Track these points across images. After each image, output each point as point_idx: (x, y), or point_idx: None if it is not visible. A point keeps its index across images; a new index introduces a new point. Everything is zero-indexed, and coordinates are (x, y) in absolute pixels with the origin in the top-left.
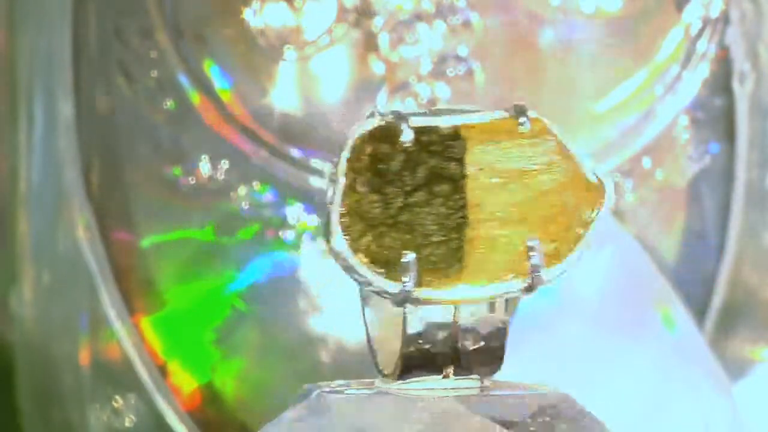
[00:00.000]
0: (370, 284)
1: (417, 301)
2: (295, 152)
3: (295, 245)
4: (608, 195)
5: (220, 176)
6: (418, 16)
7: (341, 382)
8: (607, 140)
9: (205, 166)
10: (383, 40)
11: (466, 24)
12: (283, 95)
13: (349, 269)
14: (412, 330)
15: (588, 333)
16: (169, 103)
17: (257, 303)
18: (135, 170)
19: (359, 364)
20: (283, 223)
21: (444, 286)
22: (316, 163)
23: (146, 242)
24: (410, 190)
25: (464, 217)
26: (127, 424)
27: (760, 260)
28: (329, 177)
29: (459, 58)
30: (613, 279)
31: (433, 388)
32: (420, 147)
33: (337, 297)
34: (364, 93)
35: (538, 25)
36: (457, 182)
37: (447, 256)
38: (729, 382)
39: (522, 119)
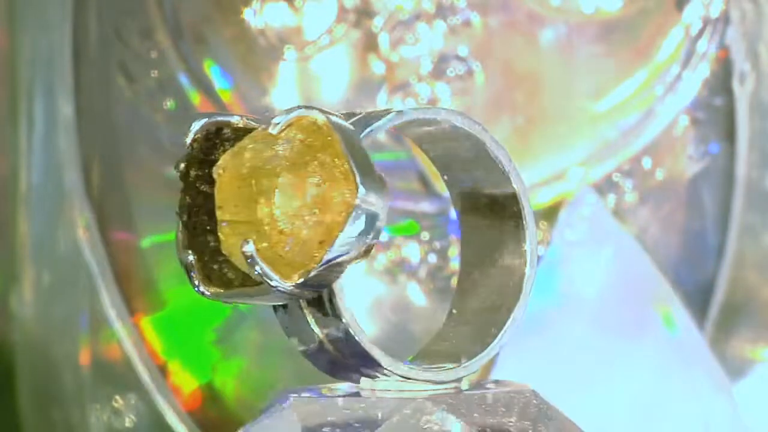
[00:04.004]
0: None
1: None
2: None
3: None
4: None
5: None
6: (418, 16)
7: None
8: (607, 140)
9: None
10: (383, 40)
11: (466, 24)
12: (283, 95)
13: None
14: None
15: (588, 333)
16: (169, 103)
17: None
18: (135, 170)
19: None
20: None
21: (205, 286)
22: None
23: (146, 242)
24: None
25: (203, 220)
26: (127, 424)
27: (760, 260)
28: None
29: (459, 58)
30: (613, 279)
31: (406, 390)
32: (203, 144)
33: None
34: (364, 93)
35: (538, 25)
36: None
37: (209, 258)
38: (729, 382)
39: (275, 119)
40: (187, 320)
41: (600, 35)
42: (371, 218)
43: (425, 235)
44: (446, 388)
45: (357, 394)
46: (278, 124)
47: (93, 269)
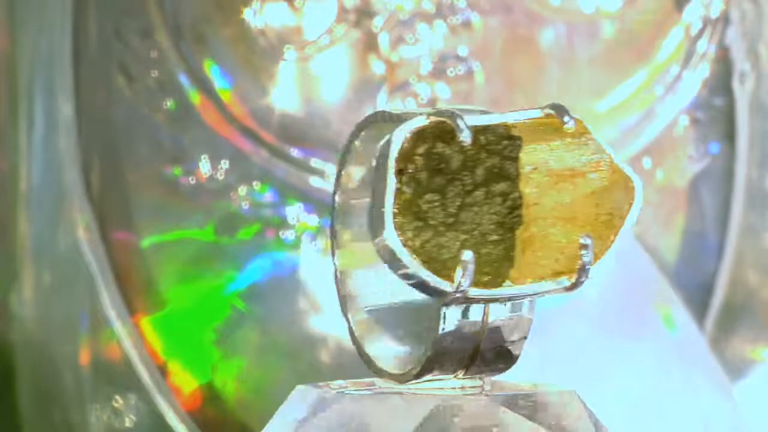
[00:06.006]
0: (420, 283)
1: (466, 300)
2: (295, 152)
3: (295, 245)
4: (639, 193)
5: (220, 176)
6: (418, 16)
7: (340, 382)
8: (607, 140)
9: (205, 166)
10: (383, 40)
11: (466, 24)
12: (283, 95)
13: (399, 267)
14: (445, 329)
15: (588, 333)
16: (169, 103)
17: (257, 303)
18: (135, 170)
19: (359, 364)
20: (283, 223)
21: (493, 285)
22: (316, 163)
23: (146, 242)
24: (470, 189)
25: (520, 215)
26: (127, 424)
27: (760, 260)
28: (376, 175)
29: (459, 58)
30: (613, 279)
31: (434, 388)
32: (478, 146)
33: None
34: (364, 93)
35: (538, 25)
36: (514, 181)
37: (501, 255)
38: (729, 382)
39: (566, 118)
40: (187, 320)
41: (600, 35)
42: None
43: None
44: (474, 386)
45: (388, 393)
46: (570, 124)
47: (93, 269)
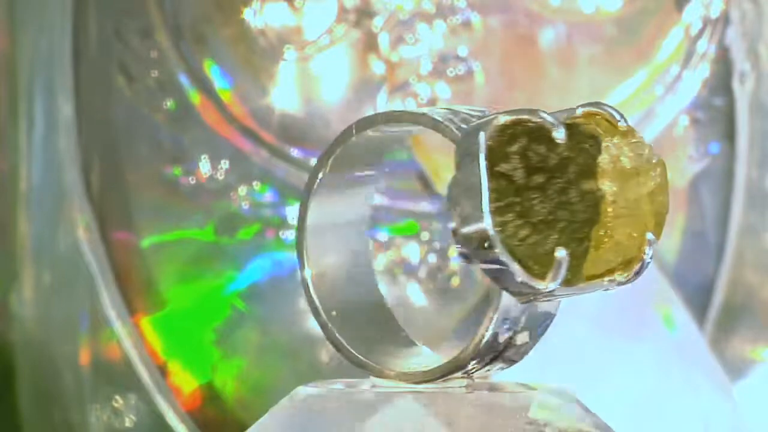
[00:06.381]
0: (505, 280)
1: (548, 297)
2: (295, 152)
3: None
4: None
5: (220, 176)
6: (418, 16)
7: (325, 382)
8: None
9: (205, 166)
10: (383, 40)
11: (466, 24)
12: (283, 95)
13: (486, 259)
14: (496, 326)
15: (588, 333)
16: (169, 103)
17: (257, 303)
18: (135, 170)
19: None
20: (283, 223)
21: (572, 282)
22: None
23: (146, 242)
24: (564, 187)
25: (599, 213)
26: (127, 424)
27: (760, 260)
28: (464, 171)
29: (459, 58)
30: None
31: (416, 389)
32: (570, 144)
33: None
34: (364, 93)
35: (538, 25)
36: (598, 180)
37: (581, 253)
38: (729, 382)
39: (617, 116)
40: (187, 320)
41: (600, 35)
42: None
43: (425, 235)
44: (458, 386)
45: (370, 391)
46: (623, 123)
47: (93, 269)
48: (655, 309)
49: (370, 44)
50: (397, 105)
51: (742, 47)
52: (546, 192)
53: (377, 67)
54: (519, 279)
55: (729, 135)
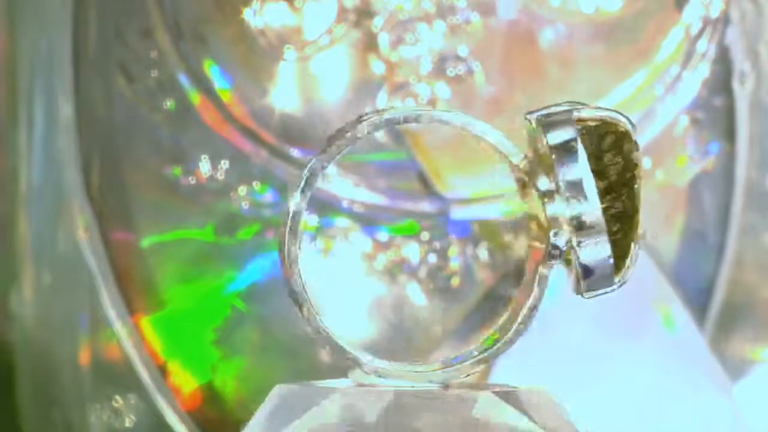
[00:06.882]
0: (598, 276)
1: (609, 291)
2: (295, 152)
3: None
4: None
5: (220, 176)
6: (418, 16)
7: (317, 381)
8: None
9: (205, 166)
10: (383, 40)
11: (466, 24)
12: (283, 95)
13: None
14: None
15: (588, 333)
16: (169, 103)
17: (257, 303)
18: (135, 170)
19: None
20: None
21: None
22: None
23: (146, 242)
24: (632, 185)
25: (637, 208)
26: (127, 424)
27: (760, 260)
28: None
29: (459, 58)
30: None
31: (394, 387)
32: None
33: (337, 297)
34: (364, 93)
35: (538, 25)
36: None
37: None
38: (729, 382)
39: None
40: (187, 320)
41: (600, 35)
42: None
43: (425, 235)
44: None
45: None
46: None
47: (93, 269)
48: (655, 309)
49: (370, 44)
50: (397, 105)
51: (742, 47)
52: (620, 190)
53: (377, 67)
54: (608, 272)
55: (729, 135)
